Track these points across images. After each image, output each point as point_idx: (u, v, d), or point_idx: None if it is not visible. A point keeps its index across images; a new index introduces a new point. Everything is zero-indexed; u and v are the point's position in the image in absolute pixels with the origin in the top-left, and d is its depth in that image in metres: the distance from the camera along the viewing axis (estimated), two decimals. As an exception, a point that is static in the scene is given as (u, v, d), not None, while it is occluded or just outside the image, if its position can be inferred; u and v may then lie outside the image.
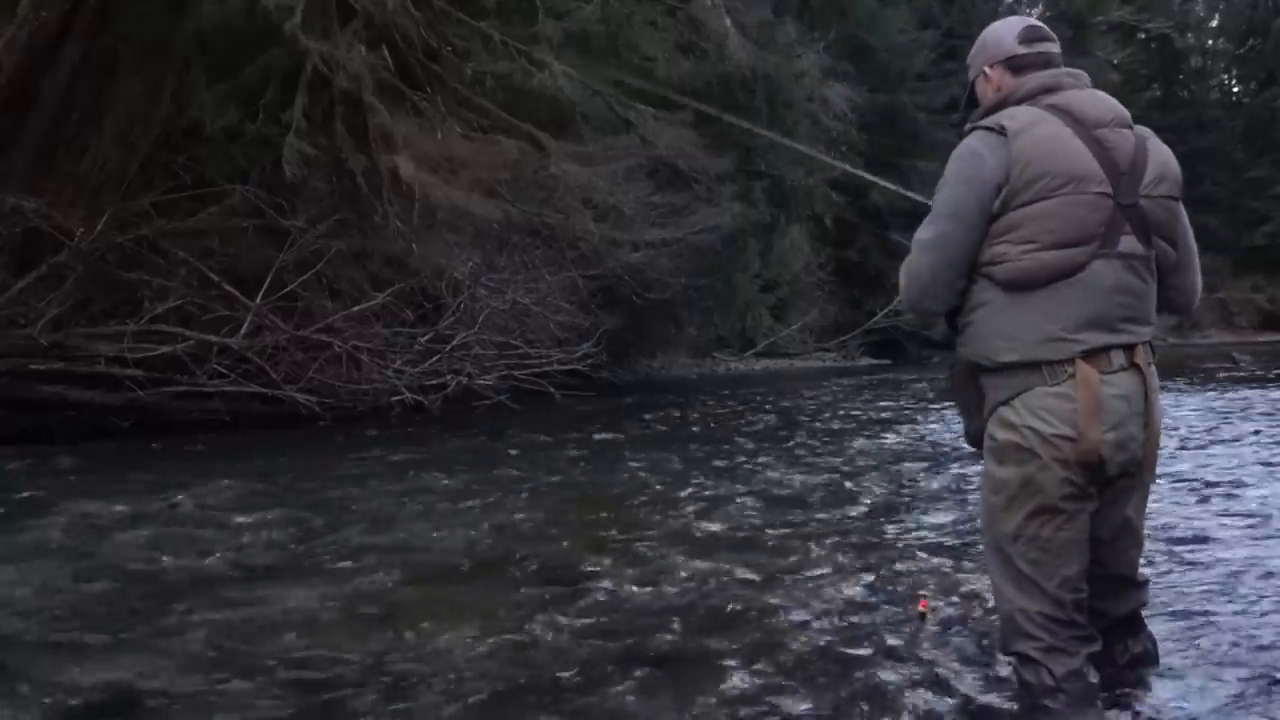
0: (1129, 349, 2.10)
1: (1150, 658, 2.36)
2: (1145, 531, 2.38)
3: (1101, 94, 2.23)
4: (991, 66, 2.32)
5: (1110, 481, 2.12)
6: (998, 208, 2.10)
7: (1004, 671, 2.39)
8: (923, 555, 3.83)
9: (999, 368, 2.15)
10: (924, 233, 2.21)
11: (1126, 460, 2.09)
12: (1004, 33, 2.33)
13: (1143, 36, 42.36)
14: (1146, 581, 2.38)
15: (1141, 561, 2.39)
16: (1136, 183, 2.10)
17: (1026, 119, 2.12)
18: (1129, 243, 2.09)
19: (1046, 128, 2.10)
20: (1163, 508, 4.39)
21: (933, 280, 2.19)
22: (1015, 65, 2.27)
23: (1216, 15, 44.81)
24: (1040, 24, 2.39)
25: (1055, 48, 2.30)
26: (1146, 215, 2.11)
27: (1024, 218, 2.07)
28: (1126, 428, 2.08)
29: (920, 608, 2.91)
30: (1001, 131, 2.11)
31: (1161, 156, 2.17)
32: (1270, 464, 5.89)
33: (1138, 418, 2.09)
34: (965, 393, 2.28)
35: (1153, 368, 2.16)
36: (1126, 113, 2.19)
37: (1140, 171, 2.11)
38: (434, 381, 9.95)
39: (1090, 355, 2.07)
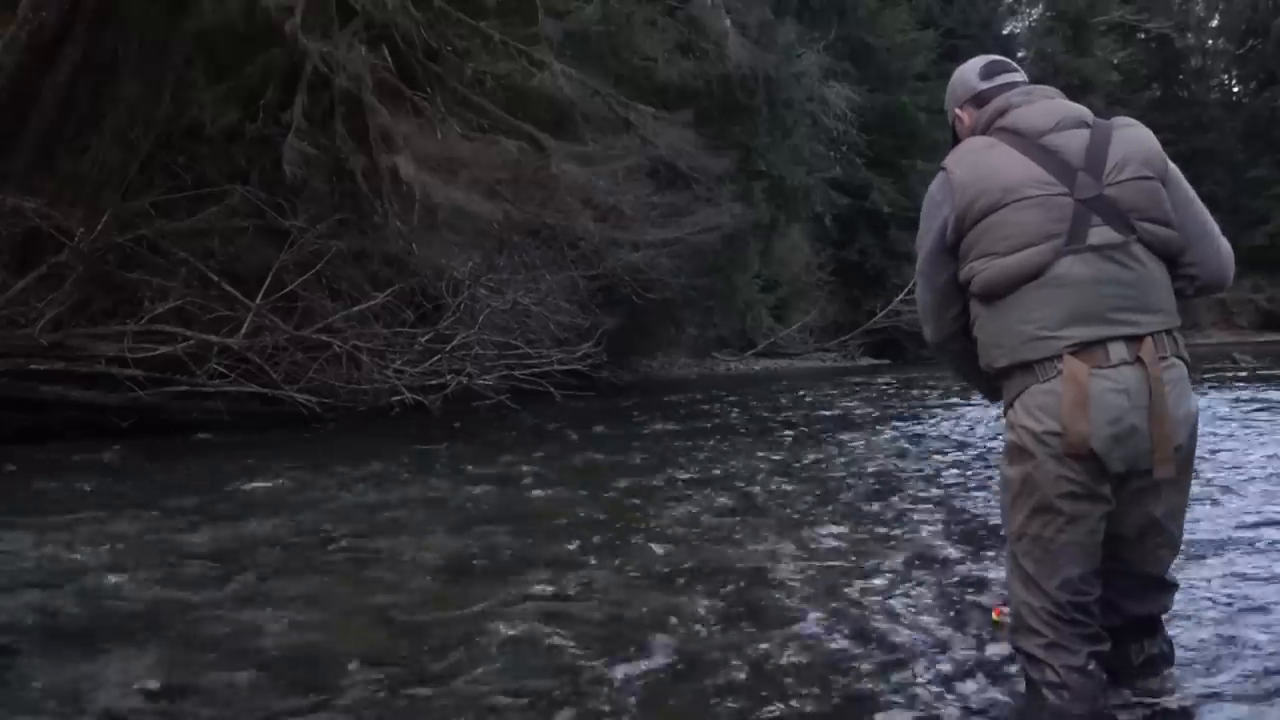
0: (1134, 342, 2.09)
1: (1166, 660, 2.34)
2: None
3: (1052, 103, 2.30)
4: (962, 107, 2.46)
5: (1123, 481, 2.10)
6: (952, 237, 2.25)
7: (1012, 666, 2.41)
8: (943, 543, 3.93)
9: (999, 374, 2.23)
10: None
11: (1130, 457, 2.07)
12: (967, 73, 2.48)
13: (1142, 36, 42.28)
14: (1175, 585, 2.33)
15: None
16: (1097, 175, 2.15)
17: (966, 149, 2.30)
18: (1102, 234, 2.12)
19: (980, 153, 2.25)
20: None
21: (923, 308, 2.43)
22: (981, 101, 2.40)
23: (1216, 15, 44.74)
24: (1000, 57, 2.54)
25: (1018, 76, 2.43)
26: (1117, 203, 2.14)
27: (979, 234, 2.19)
28: (1126, 422, 2.05)
29: (994, 615, 2.90)
30: (944, 169, 2.29)
31: (1126, 143, 2.20)
32: None
33: (1140, 412, 2.06)
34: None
35: (1170, 359, 2.12)
36: (1080, 113, 2.26)
37: (1099, 163, 2.16)
38: (434, 381, 9.93)
39: (1082, 350, 2.08)
